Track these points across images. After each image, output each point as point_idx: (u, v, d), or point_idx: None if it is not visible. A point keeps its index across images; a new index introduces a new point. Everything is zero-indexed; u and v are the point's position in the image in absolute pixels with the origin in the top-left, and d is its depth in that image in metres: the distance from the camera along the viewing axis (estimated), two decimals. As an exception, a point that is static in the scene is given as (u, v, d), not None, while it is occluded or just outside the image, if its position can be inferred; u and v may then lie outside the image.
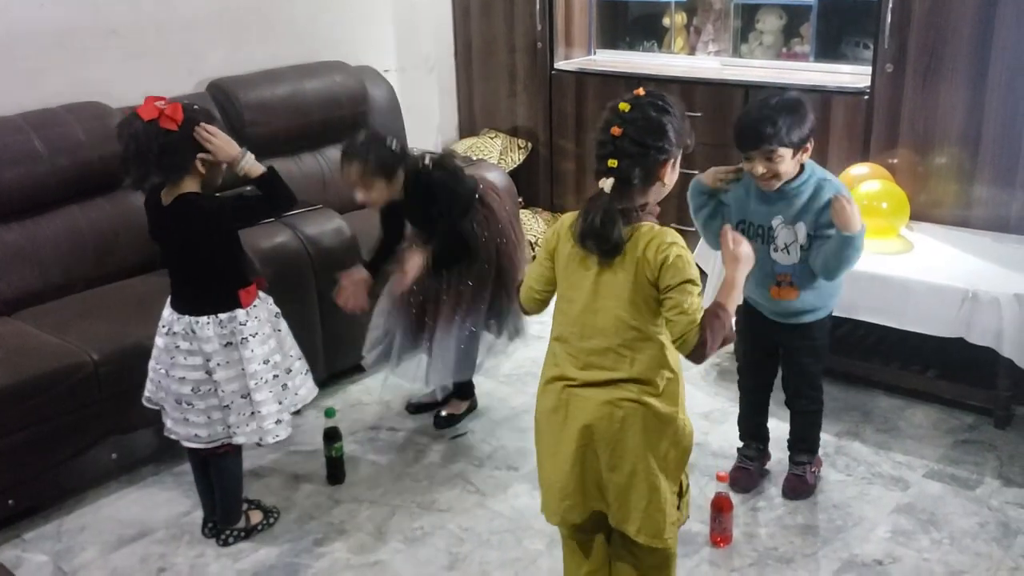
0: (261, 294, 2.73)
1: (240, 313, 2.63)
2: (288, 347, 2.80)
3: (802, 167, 2.66)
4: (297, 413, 2.89)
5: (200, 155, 2.55)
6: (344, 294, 3.23)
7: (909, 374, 3.55)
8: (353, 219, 3.83)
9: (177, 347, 2.64)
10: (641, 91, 2.10)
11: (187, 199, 2.57)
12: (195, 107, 2.61)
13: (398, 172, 3.11)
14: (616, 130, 2.02)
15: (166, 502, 3.07)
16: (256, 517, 2.92)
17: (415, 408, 3.59)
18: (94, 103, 3.67)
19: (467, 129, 5.36)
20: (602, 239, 2.02)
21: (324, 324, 3.60)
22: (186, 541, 2.89)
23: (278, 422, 2.72)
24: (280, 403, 2.73)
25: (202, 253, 2.61)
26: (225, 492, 2.84)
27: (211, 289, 2.63)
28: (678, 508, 2.17)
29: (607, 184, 2.02)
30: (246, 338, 2.63)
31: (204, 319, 2.60)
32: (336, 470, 3.16)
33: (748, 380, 3.07)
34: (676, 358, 2.12)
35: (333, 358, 3.69)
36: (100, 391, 3.00)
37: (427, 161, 3.19)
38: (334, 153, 4.35)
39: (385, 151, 3.08)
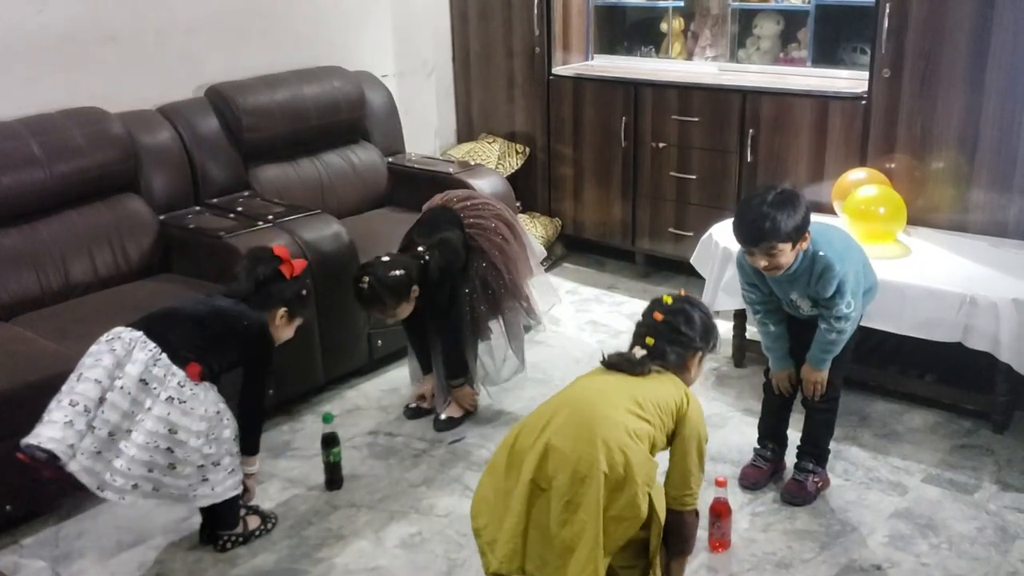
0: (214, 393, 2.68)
1: (180, 375, 2.57)
2: (225, 439, 2.70)
3: None
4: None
5: (282, 310, 2.80)
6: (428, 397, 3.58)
7: (907, 378, 3.55)
8: (351, 224, 3.84)
9: (112, 351, 2.56)
10: (682, 292, 2.51)
11: (257, 320, 2.76)
12: (310, 282, 3.00)
13: (412, 288, 3.18)
14: (658, 316, 2.40)
15: (164, 508, 3.05)
16: (254, 523, 2.92)
17: (413, 413, 3.59)
18: (92, 108, 3.68)
19: (465, 134, 5.36)
20: (631, 363, 2.37)
21: (322, 329, 3.60)
22: (184, 547, 2.88)
23: (132, 486, 2.53)
24: (148, 471, 2.54)
25: (218, 344, 2.69)
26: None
27: (181, 340, 2.61)
28: None
29: (639, 352, 2.37)
30: (172, 399, 2.54)
31: (151, 344, 2.56)
32: (334, 475, 3.15)
33: (771, 385, 3.08)
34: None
35: (331, 363, 3.69)
36: (98, 397, 3.00)
37: (425, 256, 3.23)
38: (332, 158, 4.38)
39: (393, 283, 3.14)
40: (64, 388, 2.54)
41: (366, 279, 3.12)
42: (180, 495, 2.64)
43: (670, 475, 2.34)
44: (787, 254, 2.64)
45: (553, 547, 2.16)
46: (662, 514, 2.25)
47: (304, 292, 2.89)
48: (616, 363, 2.38)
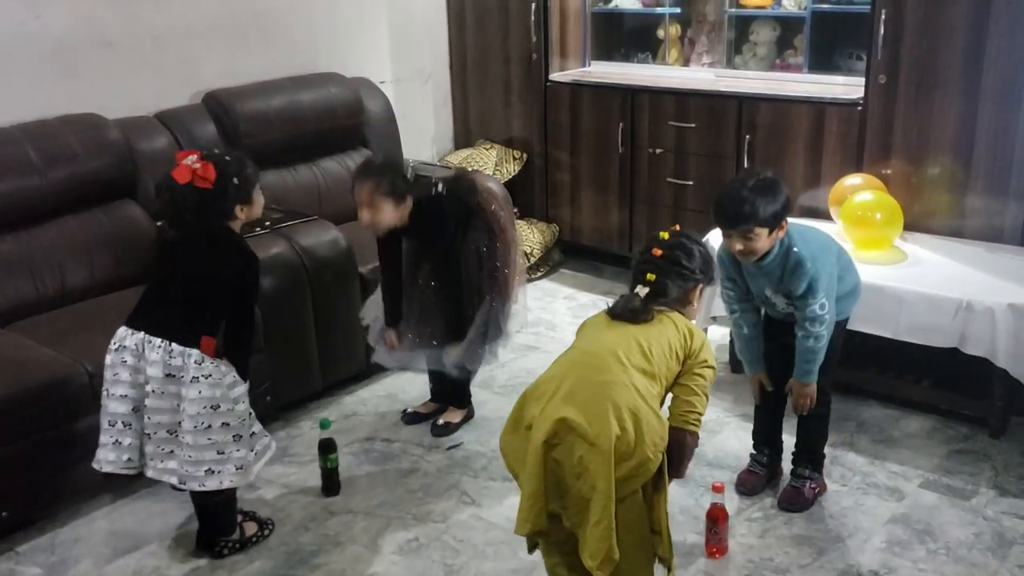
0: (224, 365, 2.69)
1: (195, 353, 2.59)
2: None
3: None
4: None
5: (236, 207, 2.69)
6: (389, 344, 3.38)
7: (904, 384, 3.55)
8: (349, 230, 3.83)
9: (124, 362, 2.61)
10: (677, 227, 2.49)
11: (230, 229, 2.70)
12: (227, 158, 2.70)
13: (407, 199, 3.13)
14: (657, 251, 2.39)
15: (161, 514, 3.06)
16: (251, 529, 2.91)
17: (410, 418, 3.59)
18: (90, 115, 3.68)
19: (462, 140, 5.37)
20: (634, 312, 2.36)
21: (319, 335, 3.60)
22: (181, 553, 2.88)
23: (206, 471, 2.62)
24: (218, 453, 2.63)
25: (213, 302, 2.65)
26: (219, 504, 2.82)
27: (181, 319, 2.61)
28: None
29: (642, 291, 2.35)
30: (197, 378, 2.58)
31: (157, 340, 2.58)
32: (331, 481, 3.15)
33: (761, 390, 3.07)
34: None
35: (328, 369, 3.69)
36: (94, 403, 2.98)
37: (440, 188, 3.20)
38: (330, 164, 4.38)
39: (399, 176, 3.12)
40: (102, 405, 2.66)
41: (381, 155, 3.10)
42: (255, 460, 2.73)
43: (676, 397, 2.33)
44: (763, 239, 2.67)
45: (571, 495, 2.19)
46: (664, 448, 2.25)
47: (236, 179, 2.67)
48: (620, 313, 2.36)
